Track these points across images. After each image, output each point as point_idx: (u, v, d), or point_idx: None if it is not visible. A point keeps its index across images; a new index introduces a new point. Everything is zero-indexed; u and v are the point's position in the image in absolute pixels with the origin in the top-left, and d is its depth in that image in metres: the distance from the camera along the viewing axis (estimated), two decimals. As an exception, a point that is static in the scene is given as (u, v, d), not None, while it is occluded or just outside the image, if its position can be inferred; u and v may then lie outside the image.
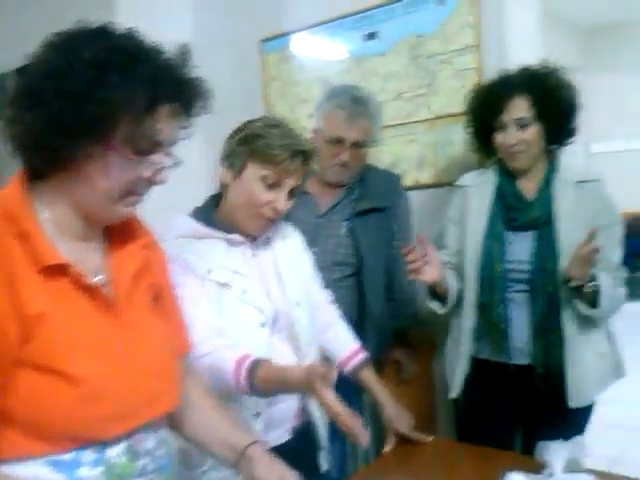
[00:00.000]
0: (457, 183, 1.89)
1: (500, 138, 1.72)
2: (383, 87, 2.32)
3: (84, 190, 0.91)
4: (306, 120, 2.54)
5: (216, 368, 1.28)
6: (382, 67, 2.32)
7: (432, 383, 2.27)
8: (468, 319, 1.77)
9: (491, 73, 1.83)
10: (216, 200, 1.50)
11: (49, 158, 0.88)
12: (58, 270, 0.88)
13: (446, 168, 2.21)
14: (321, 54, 2.51)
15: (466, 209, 1.81)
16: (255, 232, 1.44)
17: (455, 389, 1.81)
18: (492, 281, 1.72)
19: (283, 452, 1.38)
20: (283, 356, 1.41)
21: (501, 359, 1.73)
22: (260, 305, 1.40)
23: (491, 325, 1.72)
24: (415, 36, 2.22)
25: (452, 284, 1.78)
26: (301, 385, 1.21)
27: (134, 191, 0.94)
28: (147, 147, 0.91)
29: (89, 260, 0.96)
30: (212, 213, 1.47)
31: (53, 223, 0.92)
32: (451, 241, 1.87)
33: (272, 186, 1.38)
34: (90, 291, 0.92)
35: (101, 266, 0.98)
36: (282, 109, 2.62)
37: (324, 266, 1.92)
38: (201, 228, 1.42)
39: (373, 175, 2.06)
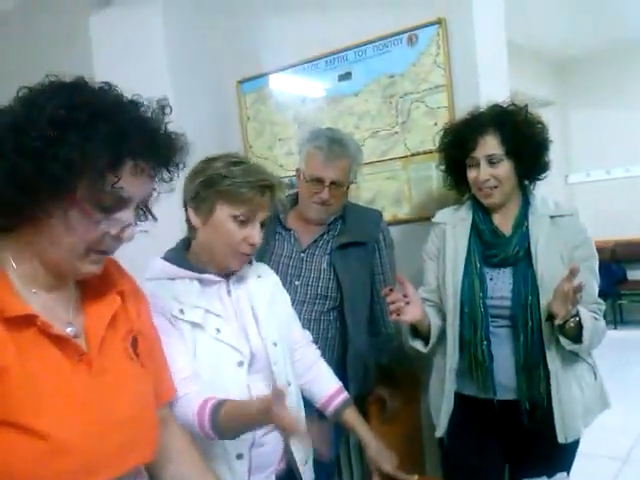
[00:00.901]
0: (433, 220, 1.90)
1: (472, 175, 1.74)
2: (358, 126, 2.35)
3: (49, 245, 0.89)
4: (284, 158, 2.57)
5: (182, 414, 1.26)
6: (356, 106, 2.36)
7: (419, 420, 2.25)
8: (451, 356, 1.76)
9: (463, 110, 1.87)
10: (186, 243, 1.50)
11: (12, 214, 0.87)
12: (24, 321, 0.86)
13: (423, 204, 2.24)
14: (297, 94, 2.54)
15: (443, 246, 1.82)
16: (235, 268, 1.46)
17: (441, 428, 1.79)
18: (474, 318, 1.71)
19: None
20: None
21: (486, 395, 1.72)
22: (236, 344, 1.39)
23: (475, 362, 1.71)
24: (387, 76, 2.27)
25: (434, 322, 1.77)
26: (260, 414, 1.21)
27: (99, 248, 0.92)
28: (111, 204, 0.89)
29: (60, 310, 0.95)
30: (184, 254, 1.48)
31: (20, 275, 0.90)
32: (430, 278, 1.87)
33: (244, 223, 1.39)
34: (59, 341, 0.90)
35: (73, 316, 0.97)
36: (260, 148, 2.65)
37: (306, 300, 1.97)
38: (172, 269, 1.42)
39: (354, 212, 2.10)
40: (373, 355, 2.08)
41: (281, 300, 1.60)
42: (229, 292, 1.46)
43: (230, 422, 1.26)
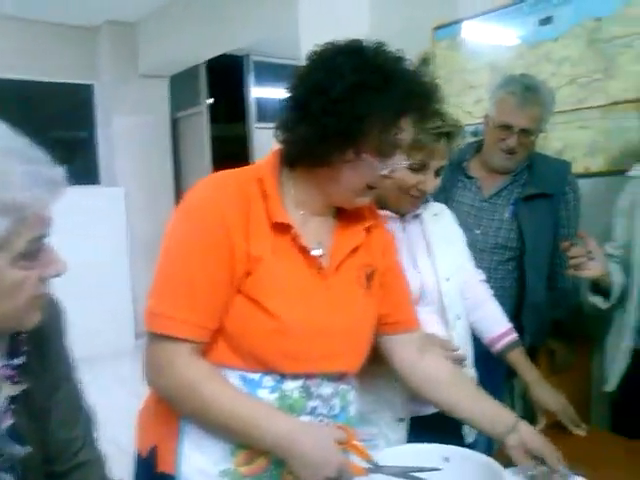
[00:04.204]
0: (629, 174, 1.81)
1: None
2: (555, 72, 2.27)
3: (333, 182, 1.09)
4: (472, 106, 2.56)
5: None
6: (556, 52, 2.28)
7: (588, 375, 2.20)
8: (632, 314, 1.71)
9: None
10: None
11: (311, 158, 1.08)
12: (283, 229, 1.07)
13: (619, 156, 2.12)
14: (491, 41, 2.50)
15: (637, 201, 1.73)
16: (406, 211, 1.51)
17: (611, 383, 1.76)
18: None
19: (429, 422, 1.45)
20: (432, 328, 1.47)
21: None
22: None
23: None
24: (592, 19, 2.15)
25: (617, 279, 1.72)
26: None
27: (374, 186, 1.11)
28: (390, 152, 1.07)
29: (315, 232, 1.14)
30: None
31: (293, 197, 1.12)
32: (619, 234, 1.80)
33: (418, 170, 1.41)
34: (305, 252, 1.10)
35: (325, 239, 1.16)
36: (448, 95, 2.65)
37: (485, 248, 1.98)
38: None
39: (541, 162, 2.04)
40: (549, 310, 2.05)
41: (457, 237, 1.64)
42: (404, 228, 1.52)
43: None
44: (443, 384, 1.27)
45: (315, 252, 1.11)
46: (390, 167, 1.09)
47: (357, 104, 1.00)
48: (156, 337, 1.04)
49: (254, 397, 1.05)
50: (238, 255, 1.03)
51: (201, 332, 1.04)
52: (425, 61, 1.08)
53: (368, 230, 1.20)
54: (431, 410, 1.47)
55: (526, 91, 1.91)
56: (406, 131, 1.07)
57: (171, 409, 1.08)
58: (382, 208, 1.50)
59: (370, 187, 1.10)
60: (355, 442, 1.06)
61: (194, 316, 1.02)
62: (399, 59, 1.07)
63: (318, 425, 1.09)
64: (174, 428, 1.07)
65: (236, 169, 1.14)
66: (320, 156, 1.05)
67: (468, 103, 2.59)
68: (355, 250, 1.17)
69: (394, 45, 2.71)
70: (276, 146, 1.15)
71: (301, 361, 1.07)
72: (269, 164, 1.12)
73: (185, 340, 1.02)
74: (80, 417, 1.05)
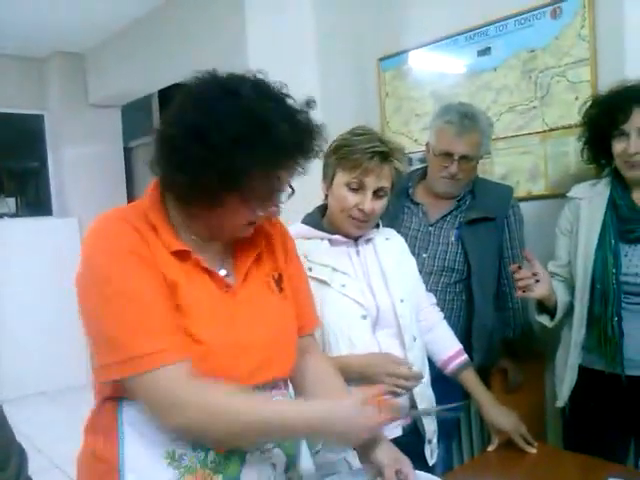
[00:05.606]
0: (569, 195, 1.89)
1: (620, 146, 1.70)
2: (495, 101, 2.36)
3: (218, 220, 1.10)
4: (418, 133, 2.64)
5: None
6: (495, 81, 2.37)
7: (541, 393, 2.26)
8: (577, 331, 1.77)
9: (607, 85, 1.82)
10: (322, 209, 1.64)
11: (187, 200, 1.08)
12: (183, 255, 1.09)
13: (559, 180, 2.21)
14: (435, 70, 2.59)
15: (577, 221, 1.81)
16: (351, 233, 1.56)
17: (562, 399, 1.82)
18: (606, 294, 1.70)
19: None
20: (390, 351, 1.51)
21: (614, 370, 1.71)
22: (359, 299, 1.50)
23: (604, 338, 1.71)
24: (527, 51, 2.25)
25: (561, 298, 1.78)
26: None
27: (254, 222, 1.13)
28: (269, 196, 1.09)
29: (213, 253, 1.16)
30: (319, 218, 1.61)
31: (182, 224, 1.12)
32: (562, 252, 1.87)
33: (356, 189, 1.48)
34: (210, 274, 1.12)
35: (225, 257, 1.18)
36: (396, 123, 2.74)
37: (433, 271, 2.03)
38: (306, 229, 1.56)
39: (483, 187, 2.12)
40: (498, 329, 2.11)
41: (408, 262, 1.69)
42: (358, 252, 1.58)
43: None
44: (309, 384, 1.29)
45: (221, 272, 1.14)
46: (268, 208, 1.11)
47: (237, 160, 0.99)
48: (143, 379, 0.99)
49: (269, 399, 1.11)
50: (160, 282, 1.04)
51: (180, 350, 1.02)
52: (309, 104, 1.08)
53: (266, 236, 1.23)
54: (394, 434, 1.49)
55: (463, 119, 1.98)
56: (287, 174, 1.09)
57: (107, 450, 1.06)
58: (335, 232, 1.56)
59: (251, 223, 1.13)
60: (380, 398, 1.12)
61: (167, 340, 1.01)
62: (279, 100, 1.06)
63: (343, 402, 1.10)
64: (114, 468, 1.05)
65: (117, 210, 1.13)
66: (197, 201, 1.06)
67: (415, 131, 2.66)
68: (258, 259, 1.19)
69: (343, 76, 2.73)
70: None
71: (232, 378, 1.07)
72: (151, 196, 1.12)
73: (174, 363, 1.00)
74: (11, 459, 1.02)
